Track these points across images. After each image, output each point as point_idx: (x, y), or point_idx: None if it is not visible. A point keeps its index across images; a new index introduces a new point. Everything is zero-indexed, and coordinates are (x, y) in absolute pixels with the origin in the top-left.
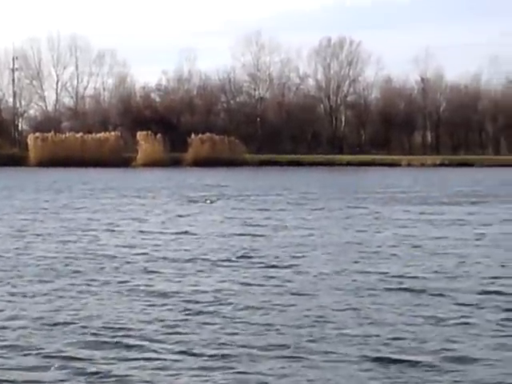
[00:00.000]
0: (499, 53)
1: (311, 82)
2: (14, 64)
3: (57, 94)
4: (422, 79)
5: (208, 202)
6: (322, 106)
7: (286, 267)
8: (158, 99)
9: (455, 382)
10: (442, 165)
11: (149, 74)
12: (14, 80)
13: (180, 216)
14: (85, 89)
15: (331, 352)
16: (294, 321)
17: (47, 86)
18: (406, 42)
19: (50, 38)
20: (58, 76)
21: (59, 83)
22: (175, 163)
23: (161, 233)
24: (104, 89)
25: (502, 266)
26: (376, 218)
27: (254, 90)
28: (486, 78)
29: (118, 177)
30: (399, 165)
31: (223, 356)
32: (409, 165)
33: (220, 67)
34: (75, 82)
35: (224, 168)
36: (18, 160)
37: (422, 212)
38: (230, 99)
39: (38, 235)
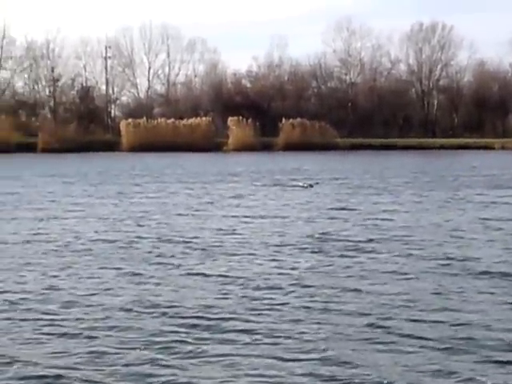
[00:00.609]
0: None
1: (403, 66)
2: (106, 52)
3: (149, 81)
4: None
5: (306, 185)
6: (413, 90)
7: (367, 251)
8: (248, 85)
9: None
10: None
11: (239, 61)
12: (106, 68)
13: (280, 199)
14: (176, 76)
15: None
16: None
17: (139, 73)
18: (500, 25)
19: (142, 27)
20: (149, 64)
21: (151, 71)
22: (266, 148)
23: (261, 217)
24: (195, 75)
25: None
26: (467, 201)
27: (345, 75)
28: None
29: (212, 161)
30: (493, 148)
31: (307, 341)
32: (502, 148)
33: (311, 53)
34: (167, 70)
35: (315, 152)
36: (111, 145)
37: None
38: (321, 84)
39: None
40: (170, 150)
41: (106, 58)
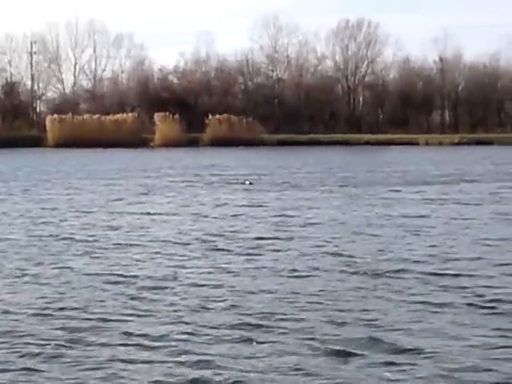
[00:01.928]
0: None
1: (329, 63)
2: (32, 48)
3: (75, 76)
4: (441, 59)
5: (247, 183)
6: (339, 86)
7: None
8: (175, 81)
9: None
10: (460, 143)
11: (166, 57)
12: (32, 63)
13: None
14: (103, 71)
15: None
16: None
17: (65, 69)
18: (425, 23)
19: (69, 22)
20: (76, 59)
21: (77, 66)
22: (192, 143)
23: (170, 214)
24: (122, 71)
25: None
26: (377, 198)
27: (272, 71)
28: (505, 58)
29: (136, 157)
30: (417, 144)
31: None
32: (427, 144)
33: (238, 49)
34: (93, 65)
35: (241, 148)
36: (36, 141)
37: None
38: (248, 80)
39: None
40: (95, 145)
41: (31, 54)
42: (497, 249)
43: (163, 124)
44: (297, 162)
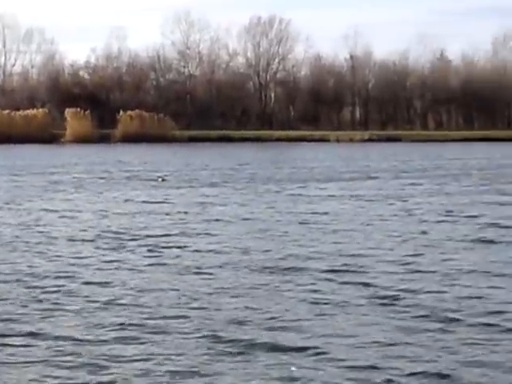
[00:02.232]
0: (427, 30)
1: (241, 59)
2: None
3: None
4: (351, 56)
5: (160, 179)
6: (251, 83)
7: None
8: (86, 76)
9: None
10: (370, 140)
11: (78, 52)
12: None
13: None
14: (12, 66)
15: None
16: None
17: None
18: (336, 21)
19: None
20: None
21: None
22: (104, 139)
23: (72, 210)
24: (32, 66)
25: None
26: (279, 194)
27: (184, 67)
28: (414, 56)
29: (45, 152)
30: (328, 140)
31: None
32: (337, 140)
33: (149, 45)
34: (2, 60)
35: (152, 144)
36: None
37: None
38: (160, 76)
39: None
40: (5, 141)
41: None
42: (399, 245)
43: (74, 120)
44: (208, 158)
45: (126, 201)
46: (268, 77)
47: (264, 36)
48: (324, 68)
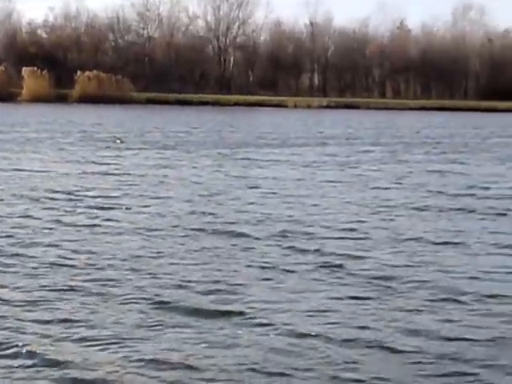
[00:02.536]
0: None
1: (201, 23)
2: None
3: None
4: (311, 23)
5: (118, 141)
6: (210, 46)
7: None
8: (44, 35)
9: None
10: (328, 107)
11: (35, 11)
12: None
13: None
14: None
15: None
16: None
17: None
18: None
19: None
20: None
21: None
22: (61, 99)
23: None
24: None
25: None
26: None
27: (143, 29)
28: (374, 24)
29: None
30: (286, 106)
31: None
32: (295, 106)
33: (108, 5)
34: None
35: (111, 105)
36: None
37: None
38: (119, 38)
39: None
40: None
41: None
42: (347, 211)
43: (31, 79)
44: (163, 121)
45: (75, 161)
46: (227, 41)
47: (224, 0)
48: (284, 34)
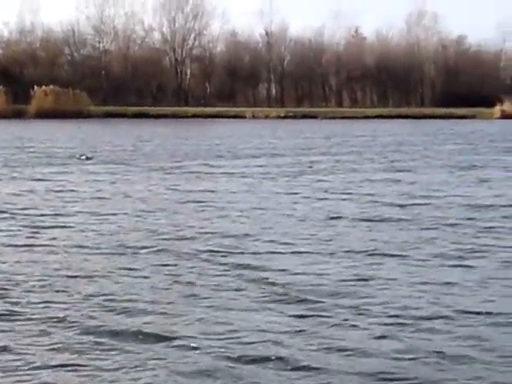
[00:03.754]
0: (342, 7)
1: (156, 35)
2: None
3: None
4: (267, 32)
5: (83, 158)
6: (167, 58)
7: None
8: None
9: None
10: (286, 117)
11: None
12: None
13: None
14: None
15: None
16: None
17: None
18: None
19: None
20: None
21: None
22: (18, 115)
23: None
24: None
25: None
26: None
27: (99, 42)
28: (329, 32)
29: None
30: (244, 117)
31: None
32: (253, 117)
33: (64, 19)
34: None
35: (69, 120)
36: None
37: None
38: (74, 51)
39: None
40: None
41: None
42: (286, 224)
43: None
44: (118, 135)
45: (20, 179)
46: (184, 53)
47: (180, 11)
48: (240, 44)
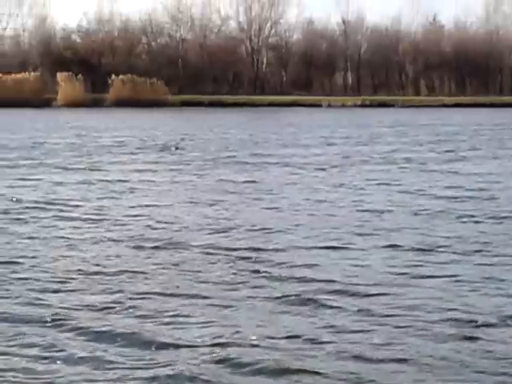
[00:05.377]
0: None
1: (233, 23)
2: None
3: None
4: (344, 21)
5: (173, 148)
6: (243, 47)
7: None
8: (78, 40)
9: None
10: (362, 105)
11: (69, 16)
12: None
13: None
14: (4, 30)
15: None
16: None
17: None
18: None
19: None
20: None
21: None
22: (96, 104)
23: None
24: (24, 30)
25: None
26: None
27: (176, 31)
28: (407, 20)
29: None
30: (320, 105)
31: None
32: (329, 105)
33: (141, 9)
34: None
35: (145, 109)
36: None
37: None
38: (152, 41)
39: None
40: None
41: None
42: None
43: (66, 84)
44: (208, 123)
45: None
46: (260, 41)
47: (256, 0)
48: (316, 33)
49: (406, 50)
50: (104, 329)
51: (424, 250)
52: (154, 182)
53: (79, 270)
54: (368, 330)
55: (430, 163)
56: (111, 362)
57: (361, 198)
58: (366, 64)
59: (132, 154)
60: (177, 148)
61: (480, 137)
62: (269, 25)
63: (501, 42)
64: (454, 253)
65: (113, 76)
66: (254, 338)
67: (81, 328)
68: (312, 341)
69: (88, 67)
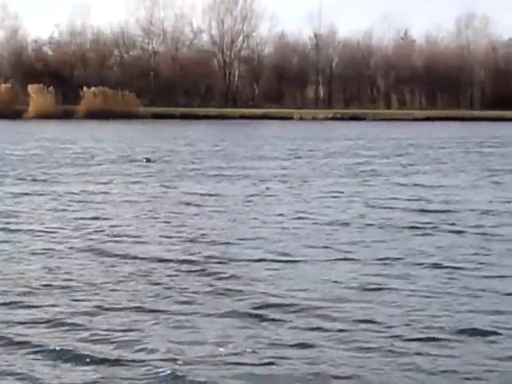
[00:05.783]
0: (391, 9)
1: (205, 37)
2: None
3: None
4: (316, 35)
5: (144, 160)
6: (215, 60)
7: None
8: (50, 52)
9: None
10: (334, 118)
11: (41, 28)
12: None
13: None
14: None
15: None
16: None
17: None
18: None
19: None
20: None
21: None
22: (67, 116)
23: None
24: None
25: None
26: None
27: (148, 44)
28: (378, 35)
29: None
30: (291, 118)
31: None
32: (301, 118)
33: (113, 21)
34: None
35: (117, 121)
36: None
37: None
38: (124, 53)
39: None
40: None
41: None
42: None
43: (37, 96)
44: (179, 136)
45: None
46: (232, 54)
47: (228, 13)
48: (288, 46)
49: (377, 64)
50: (48, 345)
51: (381, 263)
52: (116, 193)
53: (27, 283)
54: (319, 345)
55: (395, 176)
56: (55, 378)
57: (322, 210)
58: (337, 77)
59: (98, 165)
60: (148, 160)
61: (447, 149)
62: (241, 38)
63: (471, 57)
64: (412, 265)
65: (84, 88)
66: (202, 354)
67: (26, 343)
68: (261, 358)
69: (60, 79)
